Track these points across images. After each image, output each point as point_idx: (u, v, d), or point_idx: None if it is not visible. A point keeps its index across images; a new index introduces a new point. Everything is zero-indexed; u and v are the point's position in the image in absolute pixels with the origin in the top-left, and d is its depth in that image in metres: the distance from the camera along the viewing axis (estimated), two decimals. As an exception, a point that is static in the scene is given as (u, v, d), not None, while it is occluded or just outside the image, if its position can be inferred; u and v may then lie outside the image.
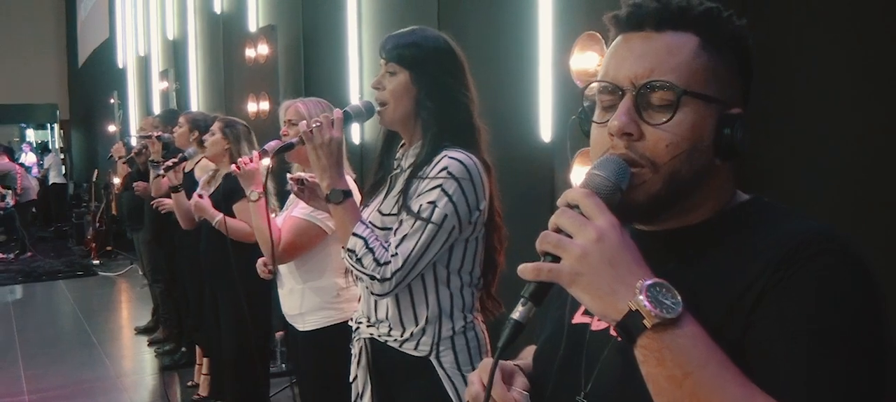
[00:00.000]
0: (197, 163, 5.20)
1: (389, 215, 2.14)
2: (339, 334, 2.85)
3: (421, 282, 2.13)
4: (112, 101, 13.00)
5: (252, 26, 6.98)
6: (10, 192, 13.12)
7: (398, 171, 2.24)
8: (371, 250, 2.04)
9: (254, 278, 4.39)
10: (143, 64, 11.55)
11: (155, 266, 6.69)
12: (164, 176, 4.73)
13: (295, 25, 6.29)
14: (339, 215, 2.10)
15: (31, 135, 21.35)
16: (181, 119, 5.48)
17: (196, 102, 8.87)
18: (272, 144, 3.09)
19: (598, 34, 3.14)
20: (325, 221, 3.06)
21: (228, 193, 4.34)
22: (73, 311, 8.81)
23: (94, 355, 6.90)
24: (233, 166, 3.11)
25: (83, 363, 6.70)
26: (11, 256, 12.60)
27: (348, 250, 2.07)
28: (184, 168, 5.03)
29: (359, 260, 2.05)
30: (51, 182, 15.87)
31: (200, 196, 4.31)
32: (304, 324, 3.21)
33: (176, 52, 9.83)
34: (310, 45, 6.15)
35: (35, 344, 7.39)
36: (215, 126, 4.53)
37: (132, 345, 7.31)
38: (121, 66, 13.09)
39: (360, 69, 5.34)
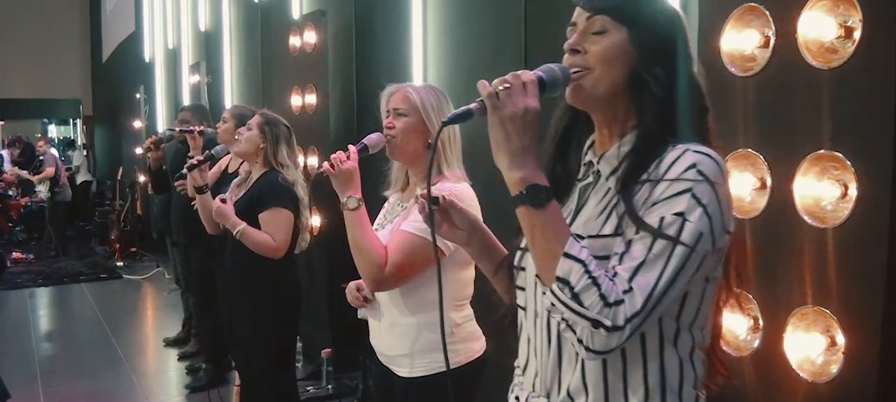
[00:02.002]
0: (241, 163, 4.64)
1: (596, 236, 1.47)
2: (453, 381, 2.25)
3: (638, 340, 1.47)
4: (138, 96, 12.56)
5: (295, 13, 6.40)
6: (43, 185, 12.55)
7: (592, 178, 1.59)
8: (595, 282, 1.34)
9: (282, 291, 3.94)
10: (172, 57, 11.05)
11: (189, 273, 6.11)
12: (185, 176, 4.26)
13: (346, 11, 5.70)
14: (538, 224, 1.41)
15: (53, 131, 20.92)
16: (226, 114, 4.91)
17: (230, 97, 8.33)
18: (374, 138, 2.55)
19: (759, 6, 2.52)
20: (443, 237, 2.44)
21: (256, 199, 3.83)
22: (96, 318, 8.23)
23: (121, 371, 6.31)
24: (325, 165, 2.50)
25: (107, 379, 6.13)
26: (32, 255, 12.07)
27: (559, 279, 1.37)
28: (219, 166, 4.49)
29: (575, 296, 1.35)
30: (80, 181, 15.35)
31: (223, 200, 3.80)
32: (412, 368, 2.58)
33: (208, 44, 9.30)
34: (363, 32, 5.56)
35: (56, 356, 6.84)
36: (253, 121, 4.00)
37: (161, 359, 6.72)
38: (148, 59, 12.63)
39: (424, 58, 4.74)
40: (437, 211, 1.85)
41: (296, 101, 5.98)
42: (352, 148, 2.52)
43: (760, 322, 2.49)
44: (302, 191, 3.92)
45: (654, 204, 1.40)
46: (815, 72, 2.35)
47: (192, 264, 5.87)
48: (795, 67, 2.39)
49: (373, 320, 2.69)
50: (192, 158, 4.85)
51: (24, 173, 13.26)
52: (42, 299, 9.53)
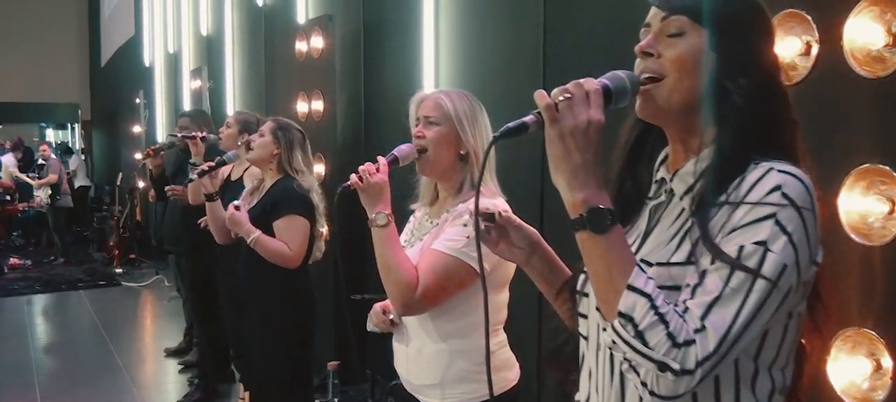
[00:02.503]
0: (246, 170, 4.52)
1: (666, 264, 1.33)
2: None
3: (711, 382, 1.31)
4: (137, 101, 12.45)
5: (301, 18, 6.28)
6: (43, 191, 12.39)
7: (664, 197, 1.45)
8: (663, 319, 1.20)
9: (297, 302, 3.81)
10: (173, 62, 10.93)
11: (190, 284, 5.98)
12: (196, 180, 4.06)
13: (355, 15, 5.58)
14: (599, 251, 1.27)
15: (50, 135, 20.78)
16: (230, 119, 4.81)
17: (232, 102, 8.21)
18: (405, 149, 2.36)
19: (801, 12, 2.41)
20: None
21: (270, 207, 3.70)
22: (94, 327, 8.08)
23: (120, 380, 6.18)
24: (353, 178, 2.31)
25: (106, 389, 6.01)
26: (29, 262, 11.93)
27: (621, 314, 1.23)
28: (221, 174, 4.37)
29: (639, 334, 1.21)
30: (77, 186, 15.21)
31: (237, 208, 3.66)
32: (444, 399, 2.39)
33: (210, 48, 9.18)
34: (372, 37, 5.43)
35: (54, 365, 6.71)
36: (266, 127, 3.87)
37: (161, 369, 6.59)
38: (147, 64, 12.51)
39: (436, 64, 4.62)
40: (494, 228, 1.70)
41: (302, 107, 5.86)
42: (381, 160, 2.33)
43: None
44: (318, 198, 3.80)
45: (733, 230, 1.25)
46: (861, 81, 2.24)
47: (184, 274, 5.75)
48: (840, 76, 2.29)
49: (399, 345, 2.51)
50: (196, 164, 4.74)
51: (25, 177, 13.08)
52: (40, 306, 9.38)
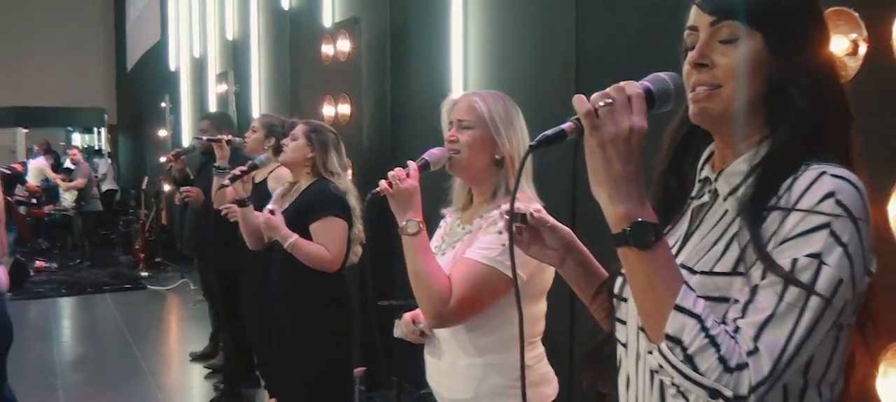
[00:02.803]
0: (270, 172, 4.48)
1: (710, 274, 1.24)
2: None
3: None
4: (163, 105, 12.47)
5: (327, 21, 6.23)
6: (70, 194, 12.43)
7: (707, 198, 1.37)
8: (714, 342, 1.12)
9: (334, 307, 3.75)
10: (198, 66, 10.94)
11: (212, 288, 5.93)
12: (228, 186, 3.95)
13: (381, 17, 5.53)
14: (644, 268, 1.19)
15: (77, 139, 20.88)
16: (255, 123, 4.77)
17: (258, 106, 8.19)
18: (436, 153, 2.27)
19: (848, 10, 2.32)
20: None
21: (306, 210, 3.62)
22: (119, 330, 8.07)
23: (144, 385, 6.16)
24: (382, 184, 2.23)
25: (131, 393, 5.98)
26: (55, 265, 11.97)
27: (669, 337, 1.15)
28: (253, 178, 4.32)
29: (689, 359, 1.13)
30: (105, 189, 15.27)
31: (272, 212, 3.59)
32: None
33: (235, 52, 9.17)
34: (399, 40, 5.38)
35: (78, 370, 6.69)
36: (298, 130, 3.79)
37: (186, 374, 6.56)
38: (173, 69, 12.54)
39: (465, 66, 4.55)
40: (525, 229, 1.62)
41: (328, 111, 5.81)
42: (412, 165, 2.24)
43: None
44: (354, 200, 3.73)
45: (784, 240, 1.17)
46: (913, 81, 2.16)
47: (205, 278, 5.71)
48: (890, 75, 2.20)
49: (431, 358, 2.43)
50: (221, 168, 4.69)
51: (57, 177, 13.12)
52: (65, 309, 9.40)
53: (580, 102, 1.20)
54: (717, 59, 1.28)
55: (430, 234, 2.39)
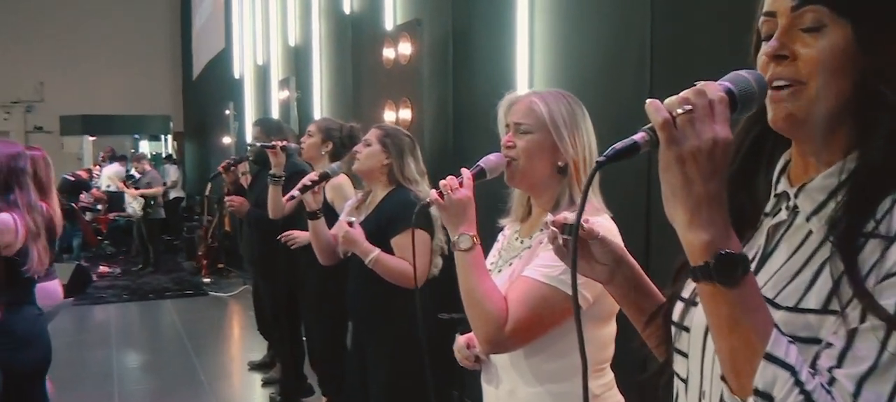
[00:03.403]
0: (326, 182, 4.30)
1: (796, 310, 1.04)
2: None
3: None
4: (227, 112, 12.51)
5: (389, 24, 6.08)
6: (137, 201, 12.52)
7: (784, 215, 1.16)
8: (809, 398, 0.95)
9: (418, 326, 3.50)
10: (262, 73, 10.92)
11: (268, 301, 5.80)
12: (296, 197, 3.68)
13: (443, 19, 5.35)
14: (728, 308, 0.99)
15: (144, 146, 21.19)
16: (311, 127, 4.61)
17: (319, 111, 8.09)
18: (493, 160, 2.07)
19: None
20: (580, 288, 1.96)
21: (387, 222, 3.38)
22: (179, 337, 8.03)
23: (202, 395, 6.06)
24: (432, 193, 2.06)
25: (188, 404, 5.89)
26: (119, 270, 12.05)
27: (759, 392, 0.97)
28: (322, 188, 4.16)
29: None
30: (172, 197, 15.42)
31: (350, 224, 3.37)
32: None
33: (298, 58, 9.10)
34: (462, 41, 5.19)
35: (135, 377, 6.65)
36: (372, 135, 3.58)
37: (245, 384, 6.46)
38: (237, 76, 12.56)
39: (530, 67, 4.34)
40: (571, 241, 1.42)
41: (389, 115, 5.66)
42: (466, 172, 2.06)
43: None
44: (435, 209, 3.53)
45: (888, 276, 0.96)
46: None
47: (260, 292, 5.57)
48: None
49: (488, 386, 2.21)
50: (276, 176, 4.55)
51: (130, 190, 13.22)
52: (126, 314, 9.41)
53: (655, 109, 1.00)
54: (800, 51, 1.07)
55: (487, 248, 2.20)
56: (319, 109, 8.15)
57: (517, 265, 2.08)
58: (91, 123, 18.15)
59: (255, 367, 6.66)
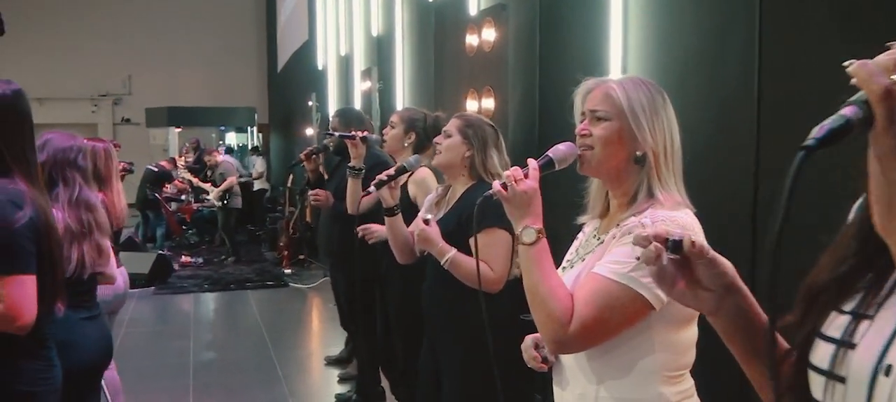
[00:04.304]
0: (409, 175, 4.07)
1: None
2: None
3: None
4: (310, 103, 12.48)
5: (473, 10, 5.85)
6: (212, 192, 12.60)
7: None
8: None
9: (500, 328, 3.25)
10: (344, 64, 10.85)
11: (346, 298, 5.64)
12: (372, 193, 3.47)
13: (530, 2, 5.09)
14: None
15: (231, 138, 21.43)
16: (394, 118, 4.38)
17: (401, 101, 7.93)
18: (563, 150, 1.98)
19: None
20: (653, 286, 1.73)
21: (466, 220, 3.13)
22: (258, 329, 7.94)
23: (277, 390, 5.94)
24: (496, 185, 1.91)
25: (262, 399, 5.76)
26: (201, 260, 12.12)
27: None
28: (400, 183, 3.93)
29: None
30: (257, 188, 15.54)
31: (426, 221, 3.14)
32: None
33: (380, 48, 8.97)
34: (549, 26, 4.93)
35: (211, 371, 6.55)
36: (451, 125, 3.34)
37: (321, 379, 6.32)
38: (320, 67, 12.54)
39: (624, 53, 4.05)
40: (674, 262, 1.18)
41: (471, 105, 5.43)
42: (532, 163, 1.92)
43: None
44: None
45: None
46: None
47: (336, 287, 5.39)
48: None
49: (557, 389, 2.06)
50: (355, 168, 4.35)
51: (205, 185, 13.33)
52: (206, 304, 9.41)
53: (868, 74, 0.74)
54: None
55: (558, 248, 1.98)
56: (402, 99, 8.00)
57: (589, 261, 1.94)
58: (177, 114, 18.39)
59: (333, 362, 6.52)
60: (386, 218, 3.51)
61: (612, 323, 1.82)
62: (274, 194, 15.87)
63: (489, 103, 5.24)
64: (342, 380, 6.05)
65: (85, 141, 3.40)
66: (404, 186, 3.93)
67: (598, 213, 2.07)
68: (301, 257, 11.71)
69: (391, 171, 3.47)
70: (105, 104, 20.96)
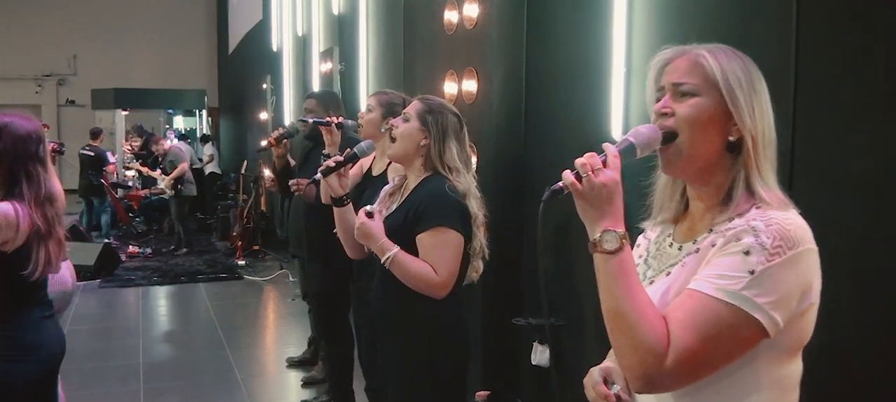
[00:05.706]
0: (391, 163, 3.64)
1: None
2: None
3: None
4: (264, 86, 11.98)
5: (450, -16, 5.42)
6: (163, 181, 11.99)
7: None
8: None
9: (447, 339, 2.88)
10: (302, 45, 10.32)
11: (309, 293, 5.19)
12: (318, 181, 3.05)
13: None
14: None
15: (178, 122, 20.79)
16: (371, 101, 3.98)
17: (365, 84, 7.46)
18: (646, 133, 1.55)
19: None
20: (769, 308, 1.38)
21: (414, 216, 2.81)
22: (212, 326, 7.44)
23: (235, 394, 5.48)
24: (566, 176, 1.46)
25: (220, 405, 5.32)
26: (149, 250, 11.53)
27: None
28: (369, 170, 3.49)
29: None
30: (209, 173, 14.96)
31: (369, 215, 2.81)
32: None
33: (342, 28, 8.47)
34: (538, 2, 4.52)
35: (163, 374, 6.03)
36: (411, 108, 2.98)
37: (282, 383, 5.86)
38: (275, 49, 11.99)
39: (628, 29, 3.66)
40: None
41: (450, 88, 5.00)
42: (610, 149, 1.49)
43: None
44: (476, 205, 2.88)
45: None
46: None
47: (312, 283, 4.95)
48: None
49: None
50: (331, 155, 3.94)
51: (155, 173, 12.72)
52: (156, 299, 8.86)
53: None
54: None
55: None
56: (365, 82, 7.54)
57: (678, 275, 1.55)
58: (124, 96, 17.74)
59: (294, 364, 6.07)
60: (335, 209, 3.13)
61: (717, 353, 1.43)
62: (224, 181, 15.32)
63: (471, 85, 4.81)
64: (306, 384, 5.61)
65: (40, 124, 3.00)
66: (384, 175, 3.55)
67: (671, 216, 1.67)
68: (255, 247, 11.21)
69: (340, 157, 3.06)
70: (49, 85, 20.26)
